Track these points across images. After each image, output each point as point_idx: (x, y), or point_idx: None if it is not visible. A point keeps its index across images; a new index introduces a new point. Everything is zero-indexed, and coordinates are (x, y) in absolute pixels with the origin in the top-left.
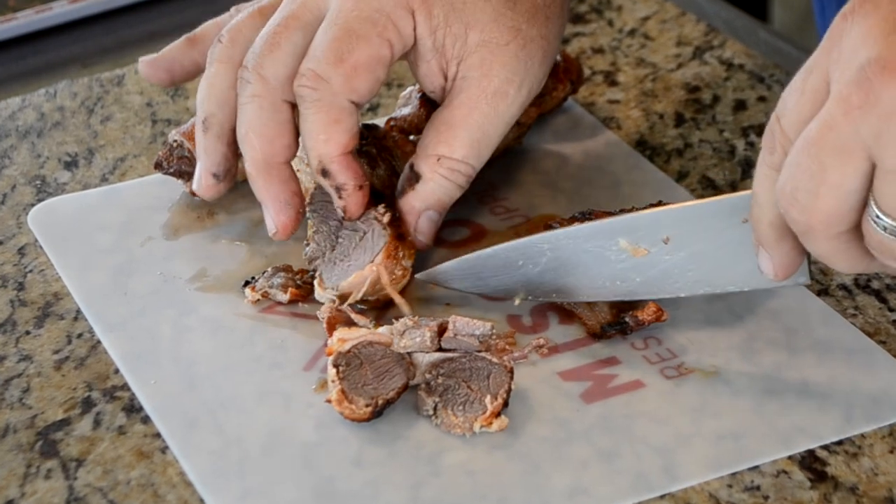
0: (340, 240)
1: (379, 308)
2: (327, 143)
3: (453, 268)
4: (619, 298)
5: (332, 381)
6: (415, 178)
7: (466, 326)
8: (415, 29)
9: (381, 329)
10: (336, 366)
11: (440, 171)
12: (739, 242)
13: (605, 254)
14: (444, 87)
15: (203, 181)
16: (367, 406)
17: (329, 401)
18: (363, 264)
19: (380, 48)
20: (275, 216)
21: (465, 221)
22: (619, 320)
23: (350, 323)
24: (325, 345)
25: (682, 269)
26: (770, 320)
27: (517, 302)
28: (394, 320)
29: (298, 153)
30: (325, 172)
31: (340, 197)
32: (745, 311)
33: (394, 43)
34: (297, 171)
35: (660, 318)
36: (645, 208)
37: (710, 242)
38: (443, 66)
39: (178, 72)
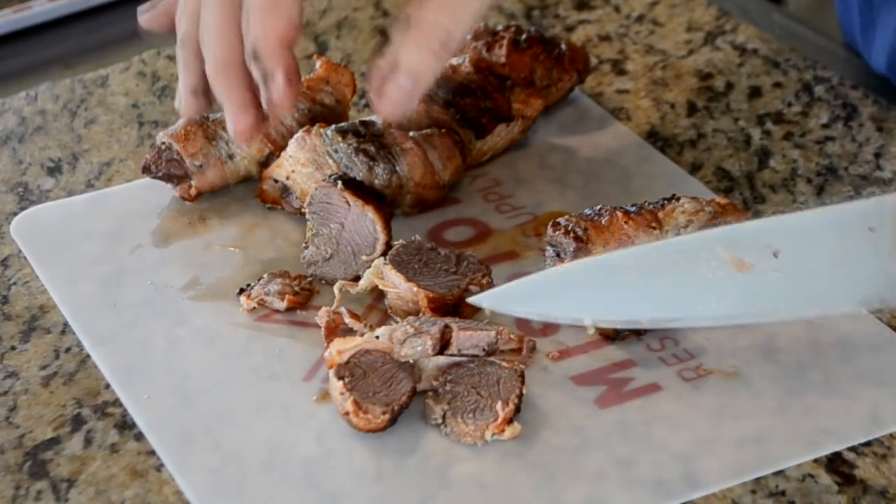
0: (341, 244)
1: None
2: (262, 26)
3: (515, 290)
4: (712, 324)
5: (342, 394)
6: (385, 41)
7: (470, 339)
8: None
9: (380, 331)
10: (341, 377)
11: (410, 35)
12: (864, 255)
13: (699, 268)
14: None
15: (184, 99)
16: (383, 414)
17: (346, 413)
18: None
19: None
20: (234, 118)
21: (469, 220)
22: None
23: (346, 331)
24: (328, 354)
25: (791, 288)
26: (791, 318)
27: (591, 331)
28: (392, 323)
29: (291, 151)
30: (255, 56)
31: (266, 86)
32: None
33: None
34: (293, 171)
35: None
36: (669, 201)
37: (827, 256)
38: None
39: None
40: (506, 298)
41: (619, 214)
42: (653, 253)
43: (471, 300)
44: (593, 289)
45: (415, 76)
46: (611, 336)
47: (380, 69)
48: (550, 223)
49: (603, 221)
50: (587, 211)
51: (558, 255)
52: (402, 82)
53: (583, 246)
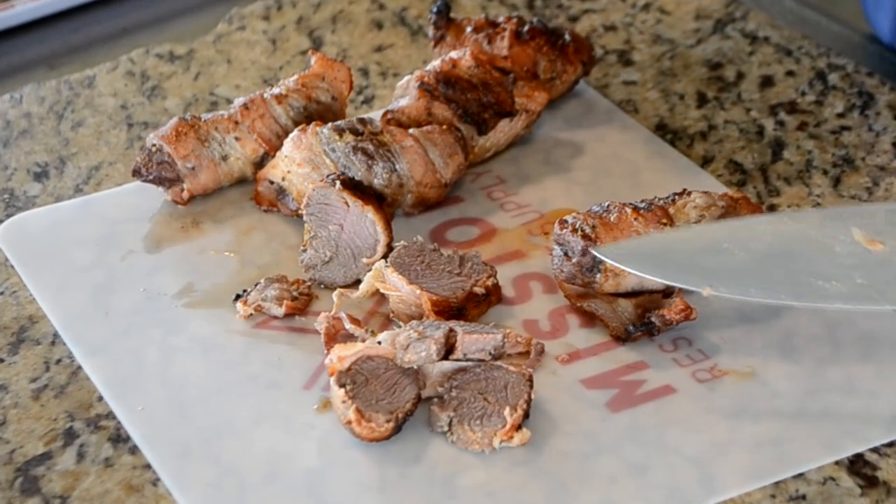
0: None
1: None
2: None
3: (640, 246)
4: (828, 305)
5: (343, 402)
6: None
7: (475, 343)
8: None
9: (382, 336)
10: (342, 385)
11: None
12: None
13: (831, 244)
14: None
15: None
16: (387, 422)
17: (349, 422)
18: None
19: None
20: None
21: (473, 220)
22: (645, 321)
23: (347, 336)
24: (328, 361)
25: None
26: (809, 314)
27: (706, 293)
28: (394, 327)
29: (286, 151)
30: None
31: None
32: (781, 306)
33: None
34: (288, 172)
35: (689, 316)
36: (679, 196)
37: None
38: None
39: None
40: (627, 255)
41: (629, 211)
42: (789, 222)
43: (594, 250)
44: (716, 256)
45: None
46: (622, 337)
47: None
48: (557, 221)
49: (612, 218)
50: (595, 208)
51: (566, 254)
52: None
53: (591, 244)
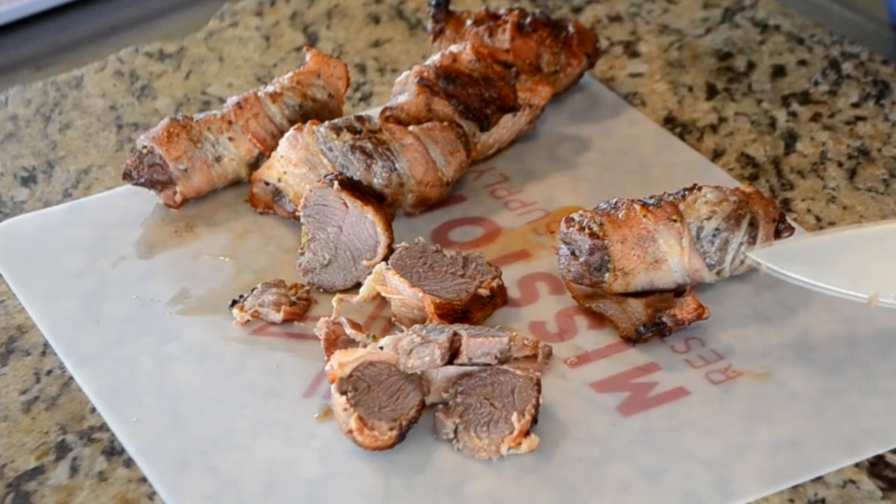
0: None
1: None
2: None
3: (799, 249)
4: None
5: (345, 410)
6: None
7: (481, 347)
8: None
9: (384, 341)
10: (343, 392)
11: None
12: None
13: None
14: None
15: None
16: (391, 430)
17: (351, 431)
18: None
19: None
20: None
21: (476, 219)
22: (656, 321)
23: (347, 342)
24: (328, 367)
25: None
26: (826, 311)
27: (873, 304)
28: (397, 332)
29: (282, 151)
30: None
31: None
32: (797, 303)
33: None
34: (284, 173)
35: (701, 315)
36: (690, 191)
37: None
38: None
39: None
40: (783, 258)
41: (637, 207)
42: None
43: (750, 255)
44: (876, 260)
45: None
46: (633, 338)
47: None
48: (563, 219)
49: (620, 215)
50: (602, 205)
51: (573, 253)
52: None
53: (599, 243)
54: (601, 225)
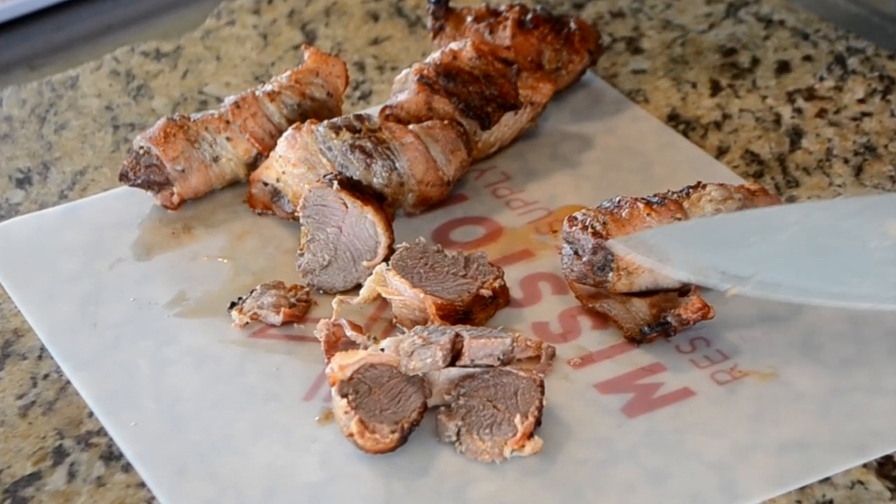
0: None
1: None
2: None
3: (663, 235)
4: (860, 305)
5: (346, 413)
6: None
7: (483, 348)
8: None
9: (385, 343)
10: (344, 395)
11: None
12: None
13: (864, 238)
14: None
15: None
16: (392, 433)
17: (352, 434)
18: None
19: None
20: None
21: (477, 219)
22: (661, 321)
23: (348, 344)
24: (329, 370)
25: None
26: (833, 310)
27: (730, 293)
28: (398, 334)
29: (280, 151)
30: None
31: None
32: (804, 303)
33: None
34: (283, 173)
35: (706, 315)
36: (694, 189)
37: None
38: None
39: None
40: (640, 247)
41: (641, 206)
42: (817, 212)
43: (607, 243)
44: (739, 250)
45: None
46: (637, 338)
47: None
48: (566, 218)
49: (623, 214)
50: (605, 203)
51: (576, 252)
52: None
53: (602, 242)
54: (604, 224)
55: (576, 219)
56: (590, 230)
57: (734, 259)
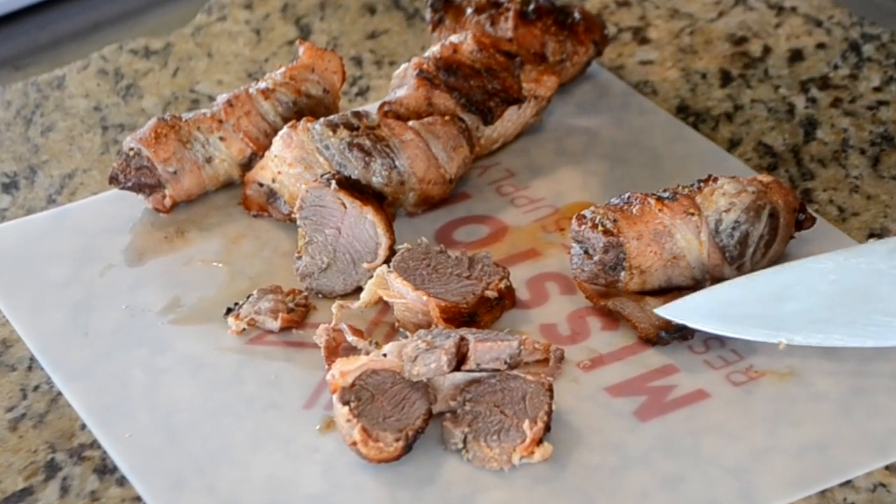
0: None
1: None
2: None
3: (703, 302)
4: None
5: (348, 421)
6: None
7: (489, 352)
8: None
9: (387, 348)
10: (346, 403)
11: None
12: None
13: None
14: None
15: None
16: (396, 441)
17: (354, 443)
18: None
19: None
20: None
21: (481, 218)
22: (679, 325)
23: (349, 349)
24: (330, 376)
25: None
26: None
27: (781, 346)
28: (400, 338)
29: (276, 151)
30: None
31: None
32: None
33: None
34: (279, 173)
35: None
36: (706, 183)
37: None
38: None
39: None
40: (691, 313)
41: (652, 202)
42: (852, 258)
43: (659, 311)
44: (783, 303)
45: None
46: (652, 340)
47: None
48: (575, 217)
49: (634, 211)
50: (615, 200)
51: (586, 252)
52: None
53: (613, 240)
54: (615, 221)
55: (585, 217)
56: (600, 228)
57: (782, 313)
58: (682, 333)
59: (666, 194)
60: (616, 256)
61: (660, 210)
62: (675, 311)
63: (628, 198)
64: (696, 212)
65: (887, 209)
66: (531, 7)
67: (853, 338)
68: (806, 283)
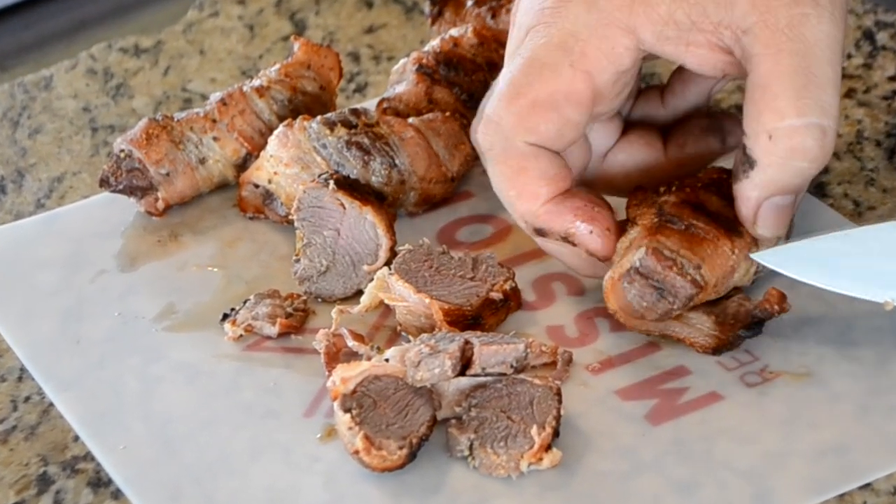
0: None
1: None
2: (519, 198)
3: (801, 249)
4: None
5: (350, 429)
6: (748, 162)
7: (495, 355)
8: (639, 37)
9: (389, 353)
10: (347, 410)
11: (778, 153)
12: None
13: None
14: (734, 62)
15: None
16: (400, 449)
17: (357, 452)
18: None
19: (572, 81)
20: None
21: (485, 217)
22: (754, 319)
23: (350, 355)
24: (330, 383)
25: None
26: (868, 304)
27: (889, 307)
28: (403, 342)
29: (271, 150)
30: (539, 232)
31: (575, 246)
32: (837, 297)
33: (594, 73)
34: (275, 173)
35: (785, 303)
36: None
37: None
38: (711, 41)
39: None
40: (793, 263)
41: (726, 247)
42: None
43: (754, 256)
44: (892, 261)
45: (793, 191)
46: (721, 348)
47: (749, 200)
48: (651, 250)
49: (708, 251)
50: (675, 224)
51: (658, 289)
52: (779, 204)
53: (698, 292)
54: (699, 269)
55: (664, 255)
56: (689, 278)
57: (881, 271)
58: (759, 329)
59: (728, 225)
60: (690, 300)
61: (731, 252)
62: (774, 257)
63: (689, 227)
64: (756, 246)
65: None
66: None
67: None
68: None
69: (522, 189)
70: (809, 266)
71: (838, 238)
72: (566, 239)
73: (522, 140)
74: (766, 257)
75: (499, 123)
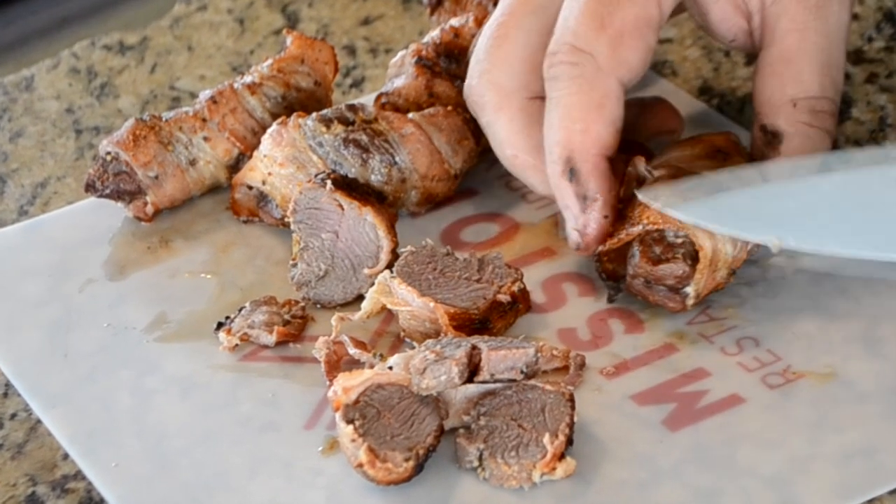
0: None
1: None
2: (584, 133)
3: (687, 190)
4: None
5: (353, 441)
6: (773, 138)
7: (504, 361)
8: None
9: (393, 360)
10: (350, 421)
11: (801, 119)
12: None
13: None
14: (747, 30)
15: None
16: (406, 460)
17: (361, 465)
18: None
19: (647, 6)
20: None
21: (491, 215)
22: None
23: (351, 363)
24: (331, 393)
25: None
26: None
27: (775, 249)
28: (407, 349)
29: (265, 150)
30: (572, 172)
31: (583, 212)
32: (862, 291)
33: None
34: (269, 174)
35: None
36: None
37: None
38: (739, 3)
39: None
40: (676, 198)
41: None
42: (861, 157)
43: (642, 196)
44: (781, 202)
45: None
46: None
47: None
48: (657, 224)
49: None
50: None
51: (653, 259)
52: None
53: (689, 275)
54: (685, 239)
55: (666, 240)
56: (679, 257)
57: (778, 213)
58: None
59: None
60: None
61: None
62: (656, 195)
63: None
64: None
65: None
66: None
67: (849, 246)
68: (806, 186)
69: (590, 125)
70: (700, 209)
71: (735, 180)
72: (584, 197)
73: (616, 76)
74: (648, 196)
75: (592, 55)
